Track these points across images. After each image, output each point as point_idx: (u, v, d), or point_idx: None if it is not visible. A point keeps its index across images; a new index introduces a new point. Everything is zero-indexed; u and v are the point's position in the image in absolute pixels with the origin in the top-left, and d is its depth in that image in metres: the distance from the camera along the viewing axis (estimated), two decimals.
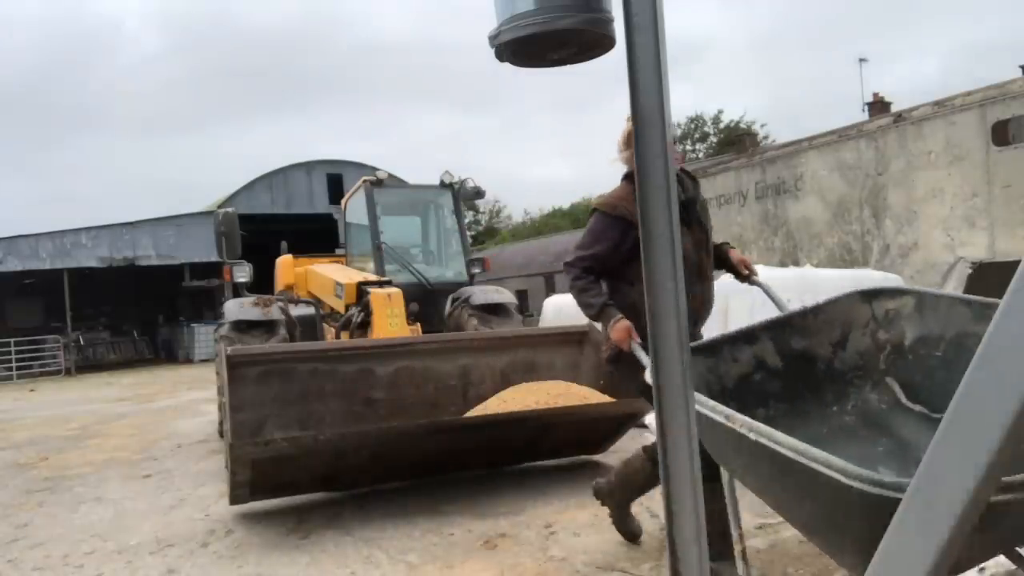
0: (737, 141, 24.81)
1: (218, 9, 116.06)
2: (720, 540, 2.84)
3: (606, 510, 3.74)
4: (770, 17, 72.91)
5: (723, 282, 6.46)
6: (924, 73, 59.89)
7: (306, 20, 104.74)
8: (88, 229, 23.66)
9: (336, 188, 24.57)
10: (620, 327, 2.93)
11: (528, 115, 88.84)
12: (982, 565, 2.73)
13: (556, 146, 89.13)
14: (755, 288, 3.25)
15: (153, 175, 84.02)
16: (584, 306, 3.12)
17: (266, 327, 6.37)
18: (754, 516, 3.97)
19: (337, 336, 6.64)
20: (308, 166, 26.03)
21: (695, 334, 3.13)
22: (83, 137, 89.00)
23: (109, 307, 28.53)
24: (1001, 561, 2.75)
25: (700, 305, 3.18)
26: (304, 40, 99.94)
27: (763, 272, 6.12)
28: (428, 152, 78.71)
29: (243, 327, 6.35)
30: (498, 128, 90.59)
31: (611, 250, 3.10)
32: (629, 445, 5.69)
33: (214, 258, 20.24)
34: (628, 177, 3.19)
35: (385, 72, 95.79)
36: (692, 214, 3.16)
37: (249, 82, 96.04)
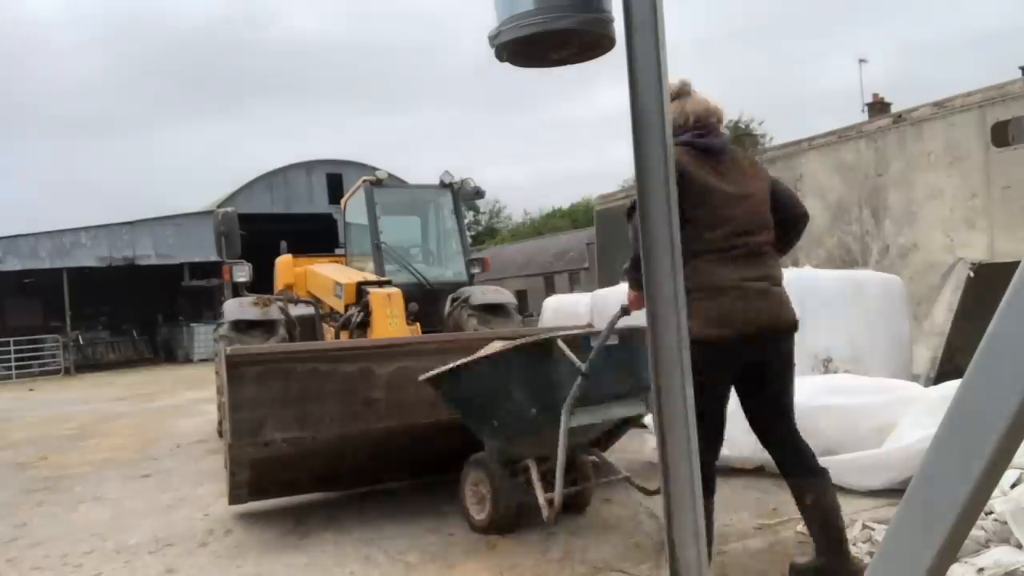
0: (737, 141, 24.81)
1: (141, 5, 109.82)
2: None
3: (606, 510, 3.73)
4: (747, 15, 73.14)
5: None
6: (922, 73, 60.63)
7: (230, 17, 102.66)
8: (87, 229, 23.69)
9: (336, 188, 24.62)
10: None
11: (472, 116, 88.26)
12: (981, 565, 2.73)
13: (501, 149, 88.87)
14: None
15: (82, 177, 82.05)
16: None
17: (265, 327, 6.37)
18: (754, 516, 3.97)
19: (337, 336, 6.63)
20: (308, 166, 26.08)
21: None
22: (6, 139, 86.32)
23: (108, 307, 28.54)
24: (1000, 561, 2.75)
25: None
26: (230, 38, 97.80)
27: None
28: (371, 153, 77.74)
29: (242, 327, 6.35)
30: (438, 130, 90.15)
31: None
32: (629, 445, 5.69)
33: (214, 258, 20.24)
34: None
35: (318, 72, 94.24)
36: None
37: (177, 80, 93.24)
